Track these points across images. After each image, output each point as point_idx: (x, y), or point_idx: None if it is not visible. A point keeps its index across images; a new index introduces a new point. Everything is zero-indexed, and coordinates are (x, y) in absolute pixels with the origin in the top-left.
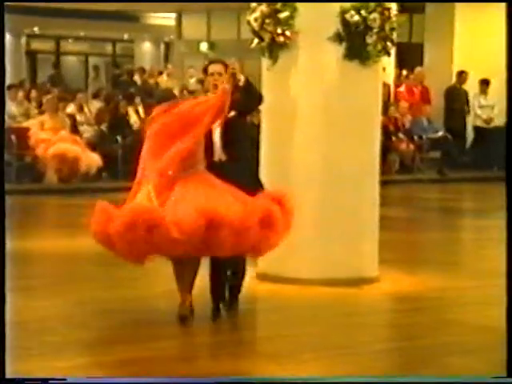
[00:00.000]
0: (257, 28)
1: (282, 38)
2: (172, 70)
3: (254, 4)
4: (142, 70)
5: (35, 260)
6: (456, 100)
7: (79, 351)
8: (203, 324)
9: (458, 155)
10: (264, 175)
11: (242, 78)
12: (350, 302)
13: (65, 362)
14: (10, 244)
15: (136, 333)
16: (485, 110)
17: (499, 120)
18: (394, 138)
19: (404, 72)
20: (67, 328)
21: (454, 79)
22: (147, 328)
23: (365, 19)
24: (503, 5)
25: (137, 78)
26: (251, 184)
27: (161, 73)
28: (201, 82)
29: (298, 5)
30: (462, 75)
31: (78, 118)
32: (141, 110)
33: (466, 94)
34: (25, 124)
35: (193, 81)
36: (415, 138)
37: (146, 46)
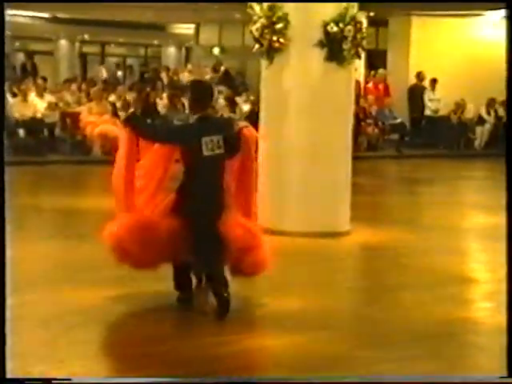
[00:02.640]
0: (257, 36)
1: (277, 44)
2: (192, 68)
3: (255, 17)
4: (167, 69)
5: (84, 214)
6: (416, 95)
7: (112, 285)
8: None
9: (414, 137)
10: (262, 151)
11: None
12: (327, 251)
13: (105, 292)
14: (65, 201)
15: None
16: (433, 102)
17: (443, 111)
18: (363, 124)
19: (371, 72)
20: (107, 266)
21: (409, 78)
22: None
23: (342, 30)
24: (449, 20)
25: (163, 74)
26: None
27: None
28: (217, 81)
29: (290, 18)
30: (419, 75)
31: (118, 105)
32: (165, 99)
33: (423, 89)
34: (77, 109)
35: (207, 77)
36: (379, 123)
37: (171, 50)
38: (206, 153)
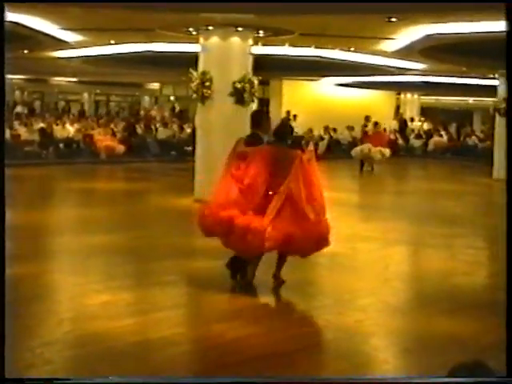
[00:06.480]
0: (195, 89)
1: (206, 94)
2: (157, 109)
3: (193, 78)
4: (143, 109)
5: (96, 192)
6: (285, 124)
7: (116, 232)
8: None
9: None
10: (197, 158)
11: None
12: None
13: (109, 236)
14: (85, 184)
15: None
16: (294, 128)
17: (300, 133)
18: None
19: None
20: (111, 221)
21: (282, 114)
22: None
23: (243, 87)
24: (303, 82)
25: (141, 112)
26: None
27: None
28: (172, 116)
29: (214, 79)
30: (288, 113)
31: (115, 129)
32: (142, 127)
33: (289, 121)
34: (91, 132)
35: (166, 113)
36: None
37: (146, 98)
38: None
